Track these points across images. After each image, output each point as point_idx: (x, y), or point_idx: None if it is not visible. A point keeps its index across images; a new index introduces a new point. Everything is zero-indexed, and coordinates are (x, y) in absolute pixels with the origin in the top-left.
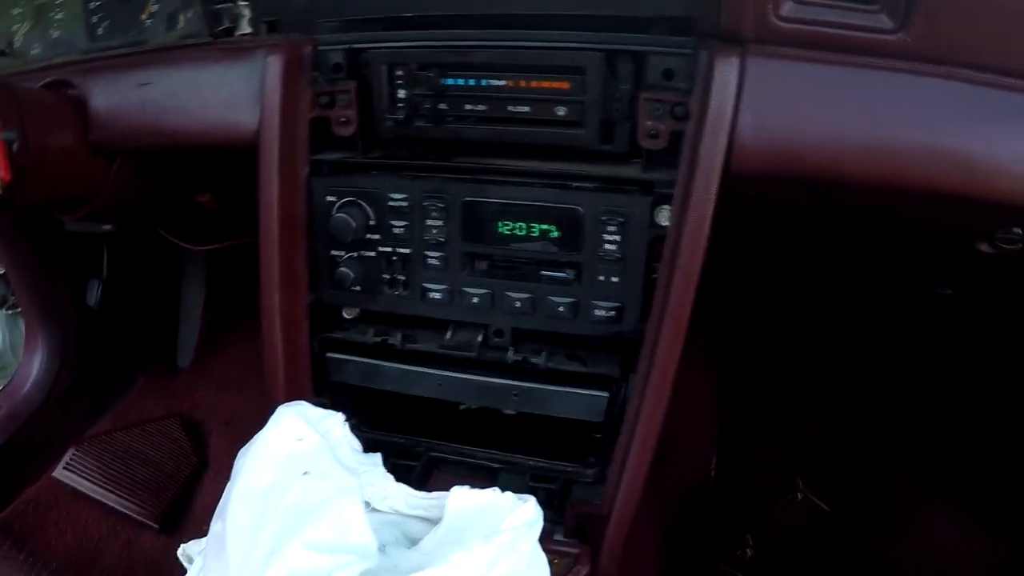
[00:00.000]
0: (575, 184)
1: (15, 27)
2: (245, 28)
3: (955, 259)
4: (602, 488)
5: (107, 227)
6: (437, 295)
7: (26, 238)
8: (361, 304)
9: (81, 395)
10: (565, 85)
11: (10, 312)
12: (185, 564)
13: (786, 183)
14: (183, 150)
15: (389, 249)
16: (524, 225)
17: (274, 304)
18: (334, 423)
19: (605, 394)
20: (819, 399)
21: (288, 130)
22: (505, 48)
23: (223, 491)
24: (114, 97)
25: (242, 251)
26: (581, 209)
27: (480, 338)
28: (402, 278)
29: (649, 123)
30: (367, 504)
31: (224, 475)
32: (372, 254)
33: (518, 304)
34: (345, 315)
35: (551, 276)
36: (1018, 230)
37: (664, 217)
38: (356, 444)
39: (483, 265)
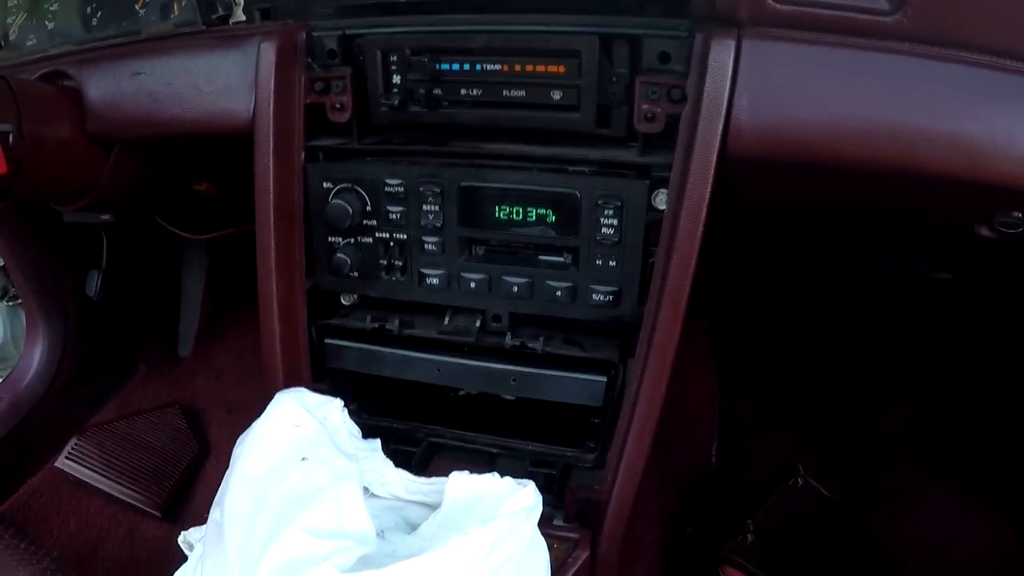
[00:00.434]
0: (572, 168)
1: (10, 19)
2: (239, 16)
3: (954, 243)
4: (601, 473)
5: (105, 217)
6: (434, 280)
7: (25, 229)
8: (359, 290)
9: (82, 385)
10: (561, 69)
11: (11, 303)
12: (186, 551)
13: (783, 166)
14: (179, 139)
15: (386, 235)
16: (521, 209)
17: (271, 291)
18: (332, 409)
19: (603, 378)
20: (819, 385)
21: (283, 117)
22: (500, 32)
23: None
24: (110, 87)
25: (241, 239)
26: (578, 193)
27: (478, 323)
28: (399, 264)
29: (645, 106)
30: (366, 490)
31: (225, 463)
32: (369, 240)
33: (516, 289)
34: (343, 301)
35: (548, 260)
36: (1017, 214)
37: (661, 201)
38: (355, 430)
39: (480, 250)
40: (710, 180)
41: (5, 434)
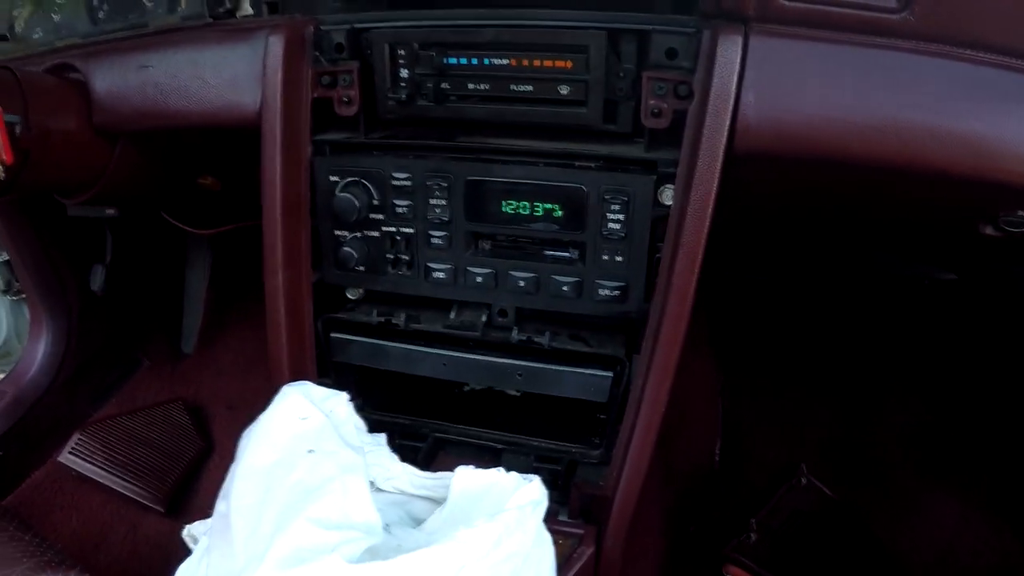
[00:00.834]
0: (578, 163)
1: (17, 12)
2: (246, 9)
3: (959, 243)
4: (606, 469)
5: (110, 211)
6: (441, 275)
7: (30, 223)
8: (365, 284)
9: (85, 380)
10: (568, 64)
11: (14, 298)
12: (190, 544)
13: (789, 162)
14: (185, 132)
15: (393, 229)
16: (528, 204)
17: (278, 284)
18: (338, 403)
19: (609, 374)
20: (822, 385)
21: (290, 110)
22: (508, 27)
23: (227, 474)
24: (116, 80)
25: (245, 235)
26: (584, 188)
27: (484, 318)
28: (406, 258)
29: (652, 102)
30: (372, 484)
31: (228, 458)
32: (376, 234)
33: (522, 284)
34: (349, 295)
35: (555, 255)
36: (1022, 212)
37: (668, 196)
38: (360, 424)
39: (487, 244)
40: (716, 176)
41: (8, 428)
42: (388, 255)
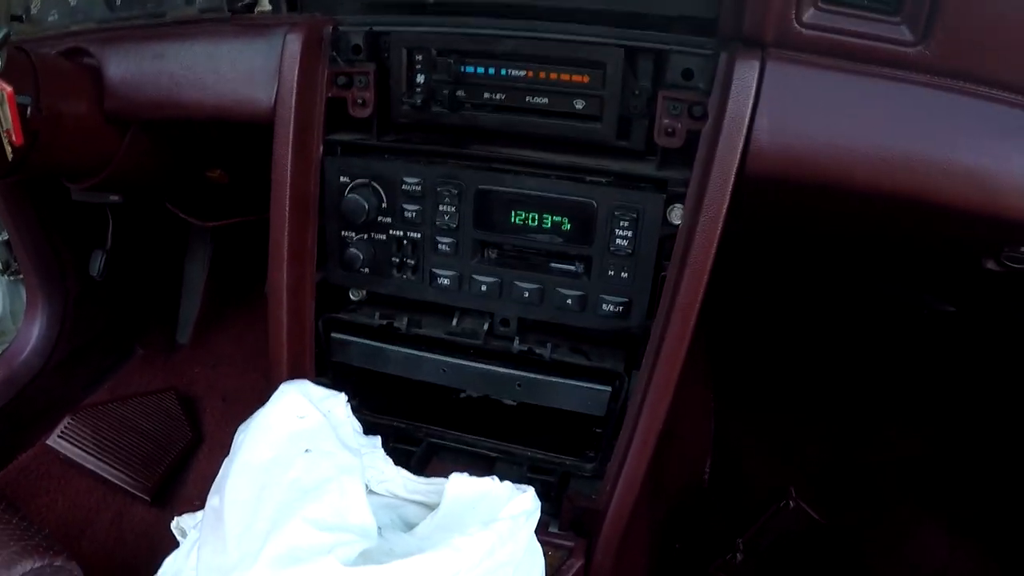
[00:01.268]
0: (589, 178)
1: None
2: (264, 5)
3: (961, 275)
4: (600, 483)
5: (114, 198)
6: (445, 281)
7: (31, 205)
8: (369, 286)
9: (79, 364)
10: (585, 79)
11: (12, 278)
12: (179, 537)
13: (800, 188)
14: (197, 123)
15: (400, 233)
16: (536, 216)
17: (281, 280)
18: (337, 403)
19: (608, 388)
20: (817, 408)
21: (304, 108)
22: (527, 39)
23: (218, 467)
24: (130, 67)
25: (247, 229)
26: (594, 203)
27: (486, 326)
28: (411, 262)
29: (666, 121)
30: (365, 486)
31: (219, 451)
32: (382, 237)
33: (526, 294)
34: (352, 296)
35: (560, 268)
36: None
37: (676, 215)
38: (357, 425)
39: (493, 253)
40: (727, 198)
41: None
42: (394, 258)
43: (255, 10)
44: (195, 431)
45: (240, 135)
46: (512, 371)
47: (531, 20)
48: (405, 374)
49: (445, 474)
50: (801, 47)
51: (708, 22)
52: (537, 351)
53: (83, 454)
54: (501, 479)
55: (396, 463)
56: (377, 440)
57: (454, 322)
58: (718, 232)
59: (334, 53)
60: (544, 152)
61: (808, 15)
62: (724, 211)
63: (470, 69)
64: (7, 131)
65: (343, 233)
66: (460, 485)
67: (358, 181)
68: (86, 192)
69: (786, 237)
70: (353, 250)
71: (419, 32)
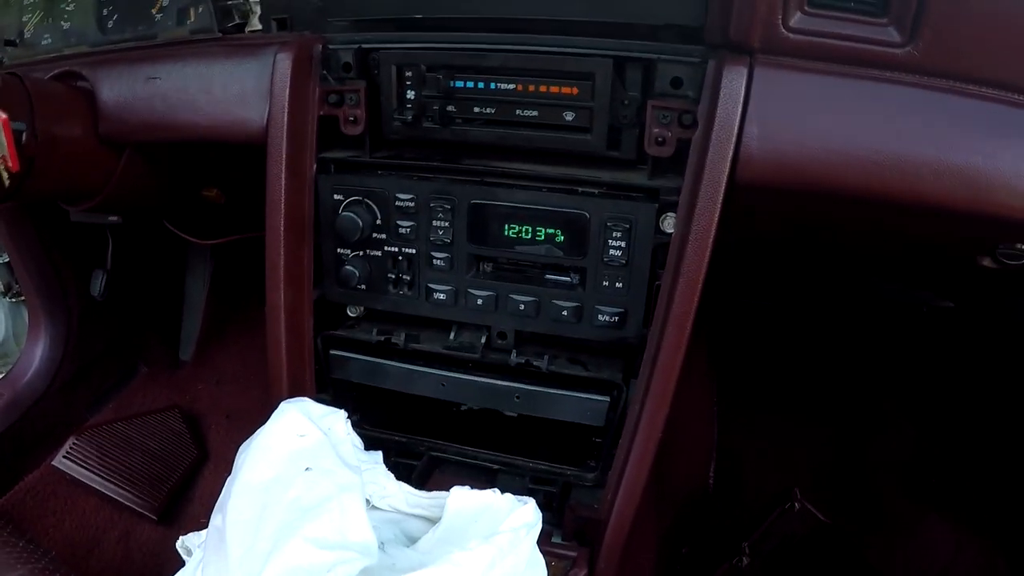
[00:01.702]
0: (581, 189)
1: (26, 17)
2: (255, 25)
3: (957, 273)
4: (601, 492)
5: (113, 218)
6: (441, 296)
7: (32, 227)
8: (366, 303)
9: (83, 385)
10: (574, 90)
11: (14, 300)
12: (184, 556)
13: (791, 193)
14: (191, 144)
15: (395, 249)
16: (530, 228)
17: (279, 300)
18: (336, 420)
19: (606, 399)
20: (819, 410)
21: (296, 127)
22: (515, 52)
23: (223, 484)
24: (123, 90)
25: (246, 246)
26: (587, 214)
27: (483, 339)
28: (407, 278)
29: (656, 130)
30: (367, 502)
31: (224, 468)
32: (378, 253)
33: (522, 307)
34: (349, 313)
35: (555, 280)
36: (1020, 245)
37: (669, 224)
38: (358, 442)
39: (488, 267)
40: (718, 205)
41: (3, 431)
42: (390, 275)
43: (245, 30)
44: (200, 449)
45: (235, 154)
46: (510, 383)
47: (519, 33)
48: (404, 389)
49: (447, 487)
50: (788, 52)
51: (695, 30)
52: (535, 363)
53: (89, 474)
54: (503, 491)
55: (398, 477)
56: (378, 455)
57: (451, 336)
58: (711, 240)
59: (324, 71)
60: (536, 164)
61: (795, 20)
62: (716, 219)
63: (460, 84)
64: (3, 157)
65: (339, 250)
66: (461, 499)
67: (352, 198)
68: (84, 214)
69: (782, 241)
70: (349, 267)
71: (408, 49)
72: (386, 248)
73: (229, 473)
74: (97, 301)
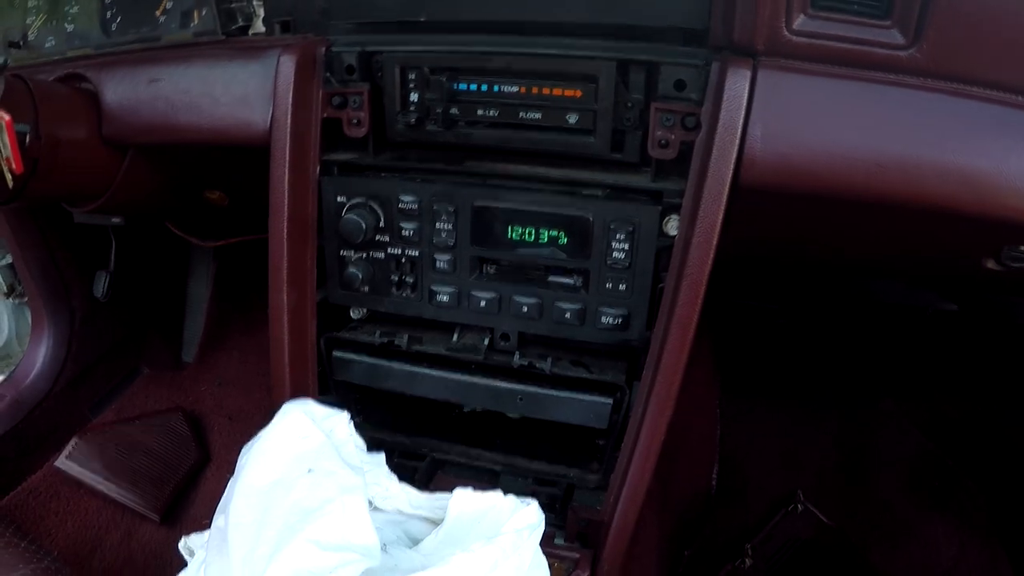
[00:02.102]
0: (585, 192)
1: (30, 20)
2: (259, 27)
3: (962, 275)
4: (604, 494)
5: (116, 220)
6: (445, 298)
7: (35, 228)
8: (369, 305)
9: (85, 386)
10: (577, 93)
11: (17, 301)
12: (186, 557)
13: (795, 196)
14: (194, 146)
15: (398, 251)
16: (533, 230)
17: (282, 302)
18: (339, 422)
19: (609, 401)
20: (822, 411)
21: (299, 129)
22: (519, 55)
23: (225, 485)
24: (127, 92)
25: (249, 248)
26: (590, 217)
27: (486, 341)
28: (410, 280)
29: (660, 133)
30: (370, 503)
31: (226, 470)
32: (381, 255)
33: (525, 309)
34: (352, 315)
35: (559, 282)
36: None
37: (673, 227)
38: (360, 443)
39: (491, 269)
40: (722, 208)
41: (6, 431)
42: (393, 277)
43: (249, 32)
44: (202, 450)
45: (238, 157)
46: (513, 385)
47: (522, 36)
48: (407, 391)
49: (449, 489)
50: (792, 54)
51: (699, 33)
52: (538, 365)
53: (91, 475)
54: (506, 492)
55: (400, 479)
56: (381, 457)
57: (454, 338)
58: (714, 243)
59: (328, 74)
60: (539, 167)
61: (798, 22)
62: (719, 221)
63: (463, 86)
64: (7, 159)
65: (342, 252)
66: (464, 500)
67: (355, 200)
68: (88, 215)
69: (786, 243)
70: (352, 269)
71: (411, 51)
72: (389, 250)
73: (231, 474)
74: (100, 302)
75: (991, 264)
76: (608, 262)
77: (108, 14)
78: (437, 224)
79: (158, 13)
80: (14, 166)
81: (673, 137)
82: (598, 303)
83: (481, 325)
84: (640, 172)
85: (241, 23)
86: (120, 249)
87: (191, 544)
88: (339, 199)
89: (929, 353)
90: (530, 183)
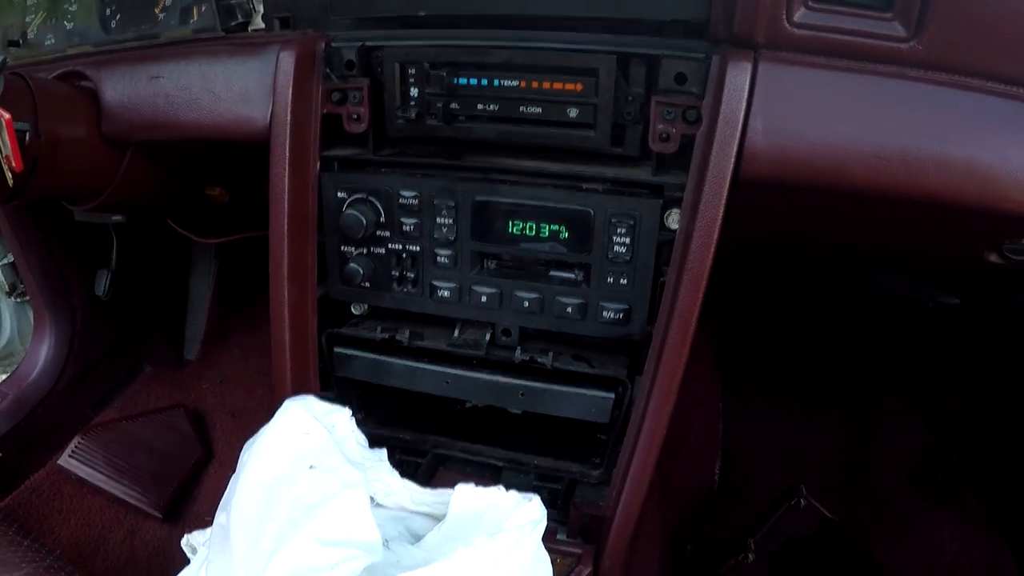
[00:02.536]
0: (585, 186)
1: (29, 18)
2: (258, 23)
3: (964, 268)
4: (606, 489)
5: (117, 218)
6: (446, 293)
7: (36, 227)
8: (370, 300)
9: (88, 384)
10: (578, 87)
11: (18, 300)
12: (188, 554)
13: (796, 189)
14: (194, 143)
15: (399, 246)
16: (534, 225)
17: (283, 298)
18: (340, 418)
19: (611, 395)
20: (824, 406)
21: (299, 125)
22: (519, 49)
23: (227, 483)
24: (127, 90)
25: (251, 245)
26: (591, 211)
27: (488, 336)
28: (411, 275)
29: (660, 127)
30: (372, 499)
31: (229, 467)
32: (382, 251)
33: (526, 304)
34: (353, 311)
35: (560, 277)
36: None
37: (674, 220)
38: (362, 439)
39: (492, 264)
40: (723, 201)
41: (9, 430)
42: (393, 272)
43: (249, 28)
44: (205, 447)
45: (238, 153)
46: (515, 380)
47: (522, 30)
48: (408, 386)
49: (451, 485)
50: (793, 47)
51: (699, 25)
52: (539, 360)
53: (94, 473)
54: (508, 488)
55: (402, 475)
56: (383, 453)
57: (456, 333)
58: (715, 236)
59: (327, 69)
60: (539, 161)
61: (799, 15)
62: (720, 215)
63: (463, 81)
64: (6, 157)
65: (343, 248)
66: (466, 496)
67: (356, 196)
68: (88, 213)
69: (787, 237)
70: (353, 265)
71: (411, 46)
72: (390, 245)
73: (234, 471)
74: (102, 300)
75: (993, 257)
76: (609, 256)
77: (107, 11)
78: (438, 219)
79: (157, 10)
80: (14, 164)
81: (674, 131)
82: (599, 297)
83: (482, 320)
84: (641, 166)
85: (241, 19)
86: (121, 247)
87: (193, 541)
88: (339, 195)
89: (931, 347)
90: (530, 177)
